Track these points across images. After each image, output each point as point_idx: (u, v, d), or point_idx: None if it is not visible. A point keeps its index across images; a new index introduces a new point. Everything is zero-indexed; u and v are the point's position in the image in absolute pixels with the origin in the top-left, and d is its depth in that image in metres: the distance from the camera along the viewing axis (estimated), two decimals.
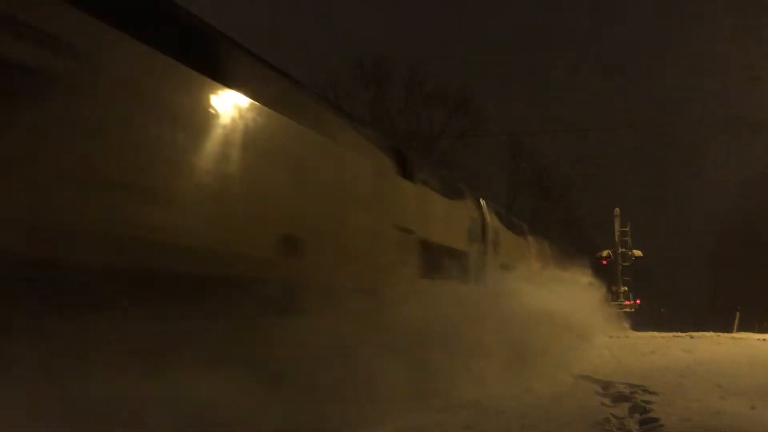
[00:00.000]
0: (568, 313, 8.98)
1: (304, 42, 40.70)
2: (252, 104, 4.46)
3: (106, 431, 2.86)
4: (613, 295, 20.35)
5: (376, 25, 47.49)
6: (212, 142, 4.03)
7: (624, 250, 20.37)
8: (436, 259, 7.35)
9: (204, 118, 4.02)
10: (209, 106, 4.08)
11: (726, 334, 15.28)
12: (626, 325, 19.59)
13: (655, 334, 15.64)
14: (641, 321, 21.22)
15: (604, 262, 20.71)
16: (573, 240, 34.41)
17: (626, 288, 20.50)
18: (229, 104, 4.23)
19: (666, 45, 60.33)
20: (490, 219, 10.47)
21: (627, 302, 20.34)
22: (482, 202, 10.47)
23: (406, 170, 7.19)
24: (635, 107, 56.45)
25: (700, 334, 15.08)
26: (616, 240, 20.53)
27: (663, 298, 32.20)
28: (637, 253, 20.52)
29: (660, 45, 61.67)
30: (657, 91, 64.72)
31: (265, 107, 4.61)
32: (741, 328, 18.54)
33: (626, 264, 20.49)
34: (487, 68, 55.92)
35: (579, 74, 72.85)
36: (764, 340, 12.60)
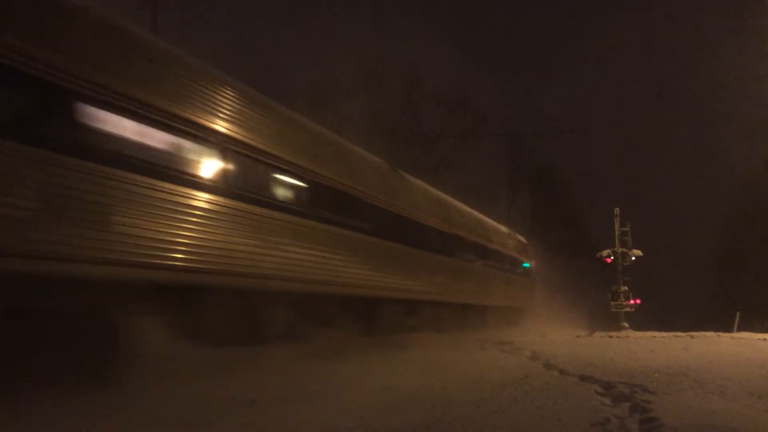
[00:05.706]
0: None
1: (304, 41, 40.65)
2: None
3: None
4: (613, 295, 20.34)
5: (376, 25, 47.45)
6: None
7: (624, 250, 20.34)
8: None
9: None
10: None
11: (726, 334, 15.29)
12: (626, 325, 19.60)
13: (656, 334, 15.65)
14: (641, 321, 21.26)
15: (605, 261, 20.69)
16: (573, 240, 34.45)
17: (626, 288, 20.48)
18: None
19: (666, 44, 60.20)
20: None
21: (627, 302, 20.33)
22: None
23: None
24: (637, 106, 56.43)
25: (700, 334, 15.09)
26: (616, 240, 20.52)
27: (663, 298, 32.20)
28: (637, 252, 20.50)
29: (660, 45, 61.60)
30: (661, 91, 64.60)
31: None
32: (741, 328, 18.56)
33: (626, 264, 20.46)
34: (486, 68, 55.87)
35: (579, 74, 72.77)
36: (764, 340, 12.60)
